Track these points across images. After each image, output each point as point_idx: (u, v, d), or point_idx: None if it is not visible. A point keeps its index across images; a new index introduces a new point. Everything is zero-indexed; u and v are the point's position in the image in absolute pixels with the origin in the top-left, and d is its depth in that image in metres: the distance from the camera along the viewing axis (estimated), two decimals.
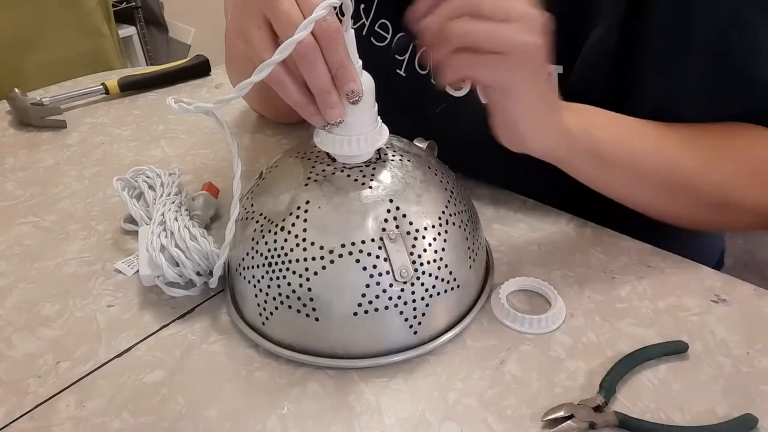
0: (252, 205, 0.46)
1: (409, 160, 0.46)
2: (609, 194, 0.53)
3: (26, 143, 0.77)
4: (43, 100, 0.82)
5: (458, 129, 0.58)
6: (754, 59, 0.49)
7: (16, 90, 0.82)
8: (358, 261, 0.42)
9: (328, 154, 0.46)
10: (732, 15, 0.47)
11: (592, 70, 0.53)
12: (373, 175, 0.44)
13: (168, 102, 0.41)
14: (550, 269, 0.53)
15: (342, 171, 0.44)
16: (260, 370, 0.45)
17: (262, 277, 0.44)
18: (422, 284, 0.43)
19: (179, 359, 0.46)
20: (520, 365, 0.44)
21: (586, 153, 0.49)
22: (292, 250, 0.42)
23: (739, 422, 0.39)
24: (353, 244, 0.42)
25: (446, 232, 0.44)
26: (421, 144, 0.51)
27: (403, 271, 0.42)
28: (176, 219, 0.52)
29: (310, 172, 0.45)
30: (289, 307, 0.43)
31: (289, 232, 0.43)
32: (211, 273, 0.50)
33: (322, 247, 0.42)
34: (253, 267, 0.44)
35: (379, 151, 0.46)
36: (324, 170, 0.45)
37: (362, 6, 0.68)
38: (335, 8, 0.39)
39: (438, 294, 0.44)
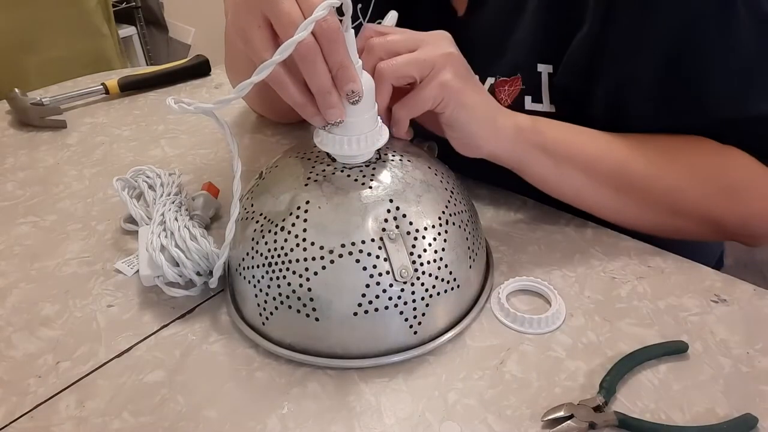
0: (252, 205, 0.46)
1: (409, 160, 0.46)
2: (562, 196, 0.55)
3: (26, 143, 0.77)
4: (43, 100, 0.82)
5: None
6: (703, 75, 0.50)
7: (16, 90, 0.82)
8: (358, 261, 0.42)
9: (328, 154, 0.46)
10: (686, 30, 0.48)
11: (574, 70, 0.53)
12: (373, 175, 0.44)
13: (168, 102, 0.41)
14: (550, 269, 0.53)
15: (342, 171, 0.45)
16: (260, 370, 0.45)
17: (262, 277, 0.44)
18: (422, 284, 0.43)
19: (179, 359, 0.46)
20: (520, 365, 0.44)
21: (539, 150, 0.51)
22: (292, 250, 0.42)
23: (739, 422, 0.39)
24: (353, 244, 0.42)
25: (446, 232, 0.44)
26: (421, 144, 0.51)
27: (403, 271, 0.42)
28: (176, 219, 0.52)
29: (310, 172, 0.45)
30: (289, 307, 0.43)
31: (289, 232, 0.43)
32: (211, 273, 0.50)
33: (322, 247, 0.42)
34: (253, 267, 0.44)
35: (378, 151, 0.46)
36: (324, 170, 0.45)
37: (359, 6, 0.68)
38: (335, 8, 0.39)
39: (438, 294, 0.44)
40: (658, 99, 0.52)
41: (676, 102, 0.51)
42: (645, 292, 0.50)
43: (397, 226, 0.43)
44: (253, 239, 0.45)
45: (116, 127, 0.80)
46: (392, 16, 0.52)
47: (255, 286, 0.45)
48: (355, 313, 0.42)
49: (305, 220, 0.43)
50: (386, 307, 0.42)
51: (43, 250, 0.58)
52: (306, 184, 0.44)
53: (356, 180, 0.44)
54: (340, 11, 0.39)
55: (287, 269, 0.43)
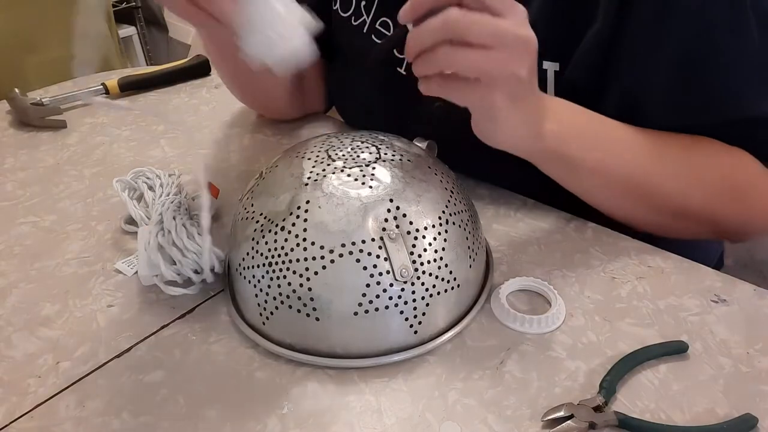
0: (252, 205, 0.46)
1: (409, 160, 0.46)
2: (571, 190, 0.54)
3: (26, 143, 0.77)
4: (43, 100, 0.82)
5: (458, 128, 0.58)
6: (719, 76, 0.50)
7: (16, 90, 0.82)
8: (358, 261, 0.42)
9: (328, 154, 0.46)
10: (705, 31, 0.48)
11: (585, 67, 0.53)
12: (373, 174, 0.44)
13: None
14: (550, 269, 0.53)
15: (342, 171, 0.45)
16: (260, 370, 0.45)
17: (263, 277, 0.44)
18: (422, 284, 0.43)
19: (179, 359, 0.46)
20: (520, 365, 0.44)
21: (557, 160, 0.51)
22: (292, 249, 0.42)
23: (739, 422, 0.39)
24: (353, 243, 0.42)
25: (446, 231, 0.44)
26: (421, 144, 0.51)
27: (404, 270, 0.42)
28: (174, 218, 0.52)
29: (310, 172, 0.45)
30: (290, 306, 0.43)
31: (289, 232, 0.43)
32: (211, 270, 0.50)
33: (322, 247, 0.42)
34: (253, 267, 0.44)
35: (379, 150, 0.46)
36: (324, 170, 0.45)
37: (363, 3, 0.68)
38: None
39: (438, 294, 0.44)
40: (671, 99, 0.52)
41: (690, 102, 0.51)
42: (645, 292, 0.50)
43: (398, 226, 0.43)
44: (253, 239, 0.45)
45: (116, 127, 0.80)
46: None
47: (255, 286, 0.45)
48: (356, 313, 0.42)
49: (305, 220, 0.43)
50: (386, 307, 0.42)
51: (43, 250, 0.58)
52: (306, 184, 0.44)
53: (356, 180, 0.44)
54: None
55: (287, 269, 0.43)
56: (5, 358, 0.47)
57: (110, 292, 0.52)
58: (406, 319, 0.43)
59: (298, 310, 0.43)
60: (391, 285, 0.42)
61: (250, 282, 0.45)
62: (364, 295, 0.42)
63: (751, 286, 0.50)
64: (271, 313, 0.44)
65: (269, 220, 0.44)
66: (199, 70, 0.93)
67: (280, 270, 0.43)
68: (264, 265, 0.44)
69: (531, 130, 0.47)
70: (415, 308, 0.43)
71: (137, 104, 0.86)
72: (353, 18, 0.70)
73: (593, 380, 0.42)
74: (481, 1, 0.40)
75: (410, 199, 0.44)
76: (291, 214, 0.43)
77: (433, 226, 0.44)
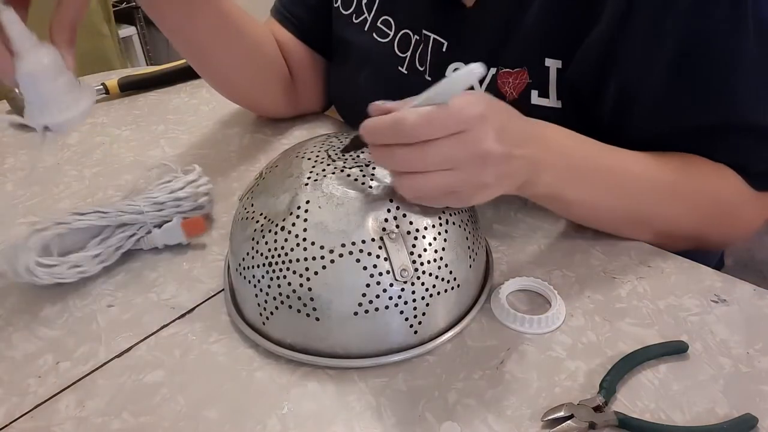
0: (252, 205, 0.46)
1: None
2: (569, 218, 0.57)
3: (26, 143, 0.77)
4: None
5: None
6: (712, 80, 0.50)
7: (17, 90, 0.81)
8: (358, 261, 0.42)
9: (328, 154, 0.46)
10: (702, 33, 0.48)
11: (587, 65, 0.53)
12: (373, 174, 0.44)
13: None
14: (550, 269, 0.53)
15: (342, 171, 0.45)
16: (260, 370, 0.45)
17: (263, 277, 0.44)
18: (422, 284, 0.43)
19: (179, 359, 0.46)
20: (520, 365, 0.44)
21: (550, 200, 0.51)
22: (292, 249, 0.42)
23: (739, 422, 0.39)
24: (353, 243, 0.42)
25: (446, 231, 0.44)
26: None
27: (404, 270, 0.42)
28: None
29: (310, 172, 0.45)
30: (290, 307, 0.43)
31: (289, 232, 0.43)
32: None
33: (322, 247, 0.42)
34: (253, 267, 0.44)
35: None
36: (324, 170, 0.45)
37: (364, 1, 0.68)
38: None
39: (438, 294, 0.44)
40: (663, 99, 0.52)
41: (680, 104, 0.51)
42: (645, 292, 0.50)
43: (398, 226, 0.43)
44: (253, 239, 0.45)
45: (116, 127, 0.80)
46: (469, 73, 0.39)
47: (255, 285, 0.45)
48: (356, 313, 0.42)
49: (305, 220, 0.43)
50: (386, 307, 0.42)
51: None
52: (306, 184, 0.44)
53: (356, 180, 0.44)
54: None
55: (287, 269, 0.43)
56: (5, 358, 0.47)
57: (110, 292, 0.52)
58: (406, 319, 0.43)
59: (298, 310, 0.43)
60: (391, 285, 0.42)
61: (250, 282, 0.45)
62: (364, 295, 0.42)
63: (751, 286, 0.50)
64: (271, 313, 0.44)
65: (269, 220, 0.44)
66: None
67: (280, 270, 0.43)
68: (264, 265, 0.44)
69: (522, 185, 0.46)
70: (415, 308, 0.43)
71: (137, 104, 0.86)
72: (354, 16, 0.70)
73: (593, 380, 0.42)
74: (428, 135, 0.39)
75: None
76: (291, 214, 0.43)
77: (433, 226, 0.44)
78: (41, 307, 0.51)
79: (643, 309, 0.48)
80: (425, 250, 0.43)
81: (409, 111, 0.39)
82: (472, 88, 0.59)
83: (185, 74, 0.92)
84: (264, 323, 0.46)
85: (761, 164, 0.53)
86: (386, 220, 0.43)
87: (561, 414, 0.40)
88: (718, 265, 0.73)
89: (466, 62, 0.63)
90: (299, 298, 0.43)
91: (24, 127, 0.80)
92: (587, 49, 0.52)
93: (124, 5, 2.18)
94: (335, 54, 0.75)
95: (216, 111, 0.83)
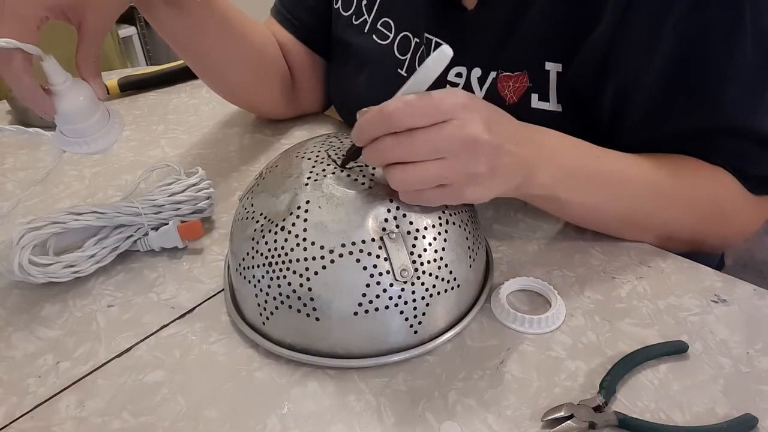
0: (252, 205, 0.46)
1: None
2: (565, 219, 0.57)
3: (26, 143, 0.77)
4: None
5: None
6: (706, 83, 0.50)
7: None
8: (358, 261, 0.42)
9: (328, 154, 0.46)
10: (700, 36, 0.48)
11: (587, 68, 0.53)
12: (373, 174, 0.44)
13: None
14: (550, 269, 0.53)
15: (342, 171, 0.45)
16: (260, 370, 0.45)
17: (263, 277, 0.44)
18: (422, 284, 0.43)
19: (179, 359, 0.46)
20: (520, 365, 0.44)
21: (547, 201, 0.51)
22: (292, 249, 0.42)
23: (739, 422, 0.39)
24: (353, 243, 0.42)
25: (446, 231, 0.44)
26: None
27: (404, 270, 0.42)
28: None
29: (310, 172, 0.45)
30: (290, 306, 0.43)
31: (289, 232, 0.43)
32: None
33: (322, 247, 0.42)
34: (253, 267, 0.44)
35: None
36: (324, 170, 0.45)
37: (364, 3, 0.68)
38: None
39: (438, 294, 0.44)
40: (660, 102, 0.52)
41: (674, 105, 0.52)
42: (645, 292, 0.50)
43: (398, 226, 0.43)
44: (253, 239, 0.45)
45: None
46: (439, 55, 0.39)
47: (255, 286, 0.45)
48: (356, 313, 0.42)
49: (305, 220, 0.43)
50: (386, 307, 0.42)
51: None
52: (306, 184, 0.44)
53: (356, 180, 0.44)
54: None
55: (287, 269, 0.43)
56: (5, 358, 0.47)
57: (110, 292, 0.52)
58: (406, 319, 0.43)
59: (298, 310, 0.43)
60: (391, 285, 0.42)
61: (250, 282, 0.45)
62: (364, 295, 0.42)
63: (751, 286, 0.50)
64: (271, 313, 0.44)
65: (269, 220, 0.44)
66: None
67: (280, 270, 0.43)
68: (264, 265, 0.44)
69: (516, 186, 0.46)
70: (415, 308, 0.43)
71: (137, 104, 0.86)
72: (354, 17, 0.70)
73: (593, 380, 0.42)
74: (411, 122, 0.39)
75: None
76: (291, 214, 0.43)
77: (433, 226, 0.44)
78: (41, 307, 0.51)
79: (643, 309, 0.48)
80: (425, 250, 0.43)
81: (391, 100, 0.40)
82: (472, 91, 0.59)
83: (185, 74, 0.92)
84: (264, 323, 0.46)
85: (757, 168, 0.53)
86: (386, 220, 0.43)
87: (561, 414, 0.40)
88: (719, 265, 0.73)
89: (467, 65, 0.63)
90: (299, 298, 0.43)
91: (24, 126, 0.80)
92: (587, 50, 0.52)
93: None
94: (335, 55, 0.75)
95: (216, 111, 0.83)
